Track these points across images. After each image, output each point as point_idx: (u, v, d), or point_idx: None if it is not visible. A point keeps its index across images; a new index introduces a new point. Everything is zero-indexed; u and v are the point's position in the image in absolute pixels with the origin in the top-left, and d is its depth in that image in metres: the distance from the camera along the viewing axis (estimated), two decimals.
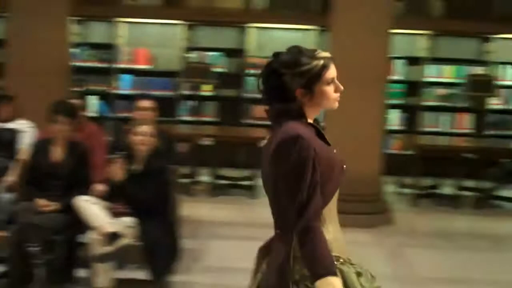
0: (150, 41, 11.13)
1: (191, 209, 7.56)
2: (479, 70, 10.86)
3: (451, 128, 11.01)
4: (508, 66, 11.07)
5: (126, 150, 5.25)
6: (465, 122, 11.03)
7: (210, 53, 11.01)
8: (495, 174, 9.34)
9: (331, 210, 2.66)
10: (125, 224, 5.07)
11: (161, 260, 5.09)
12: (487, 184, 9.29)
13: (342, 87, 2.68)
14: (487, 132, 10.94)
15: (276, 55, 2.68)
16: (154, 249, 5.02)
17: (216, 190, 9.09)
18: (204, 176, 9.30)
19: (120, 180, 5.13)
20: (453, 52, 11.14)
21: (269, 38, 11.04)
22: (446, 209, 8.85)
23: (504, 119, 11.09)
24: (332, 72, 2.67)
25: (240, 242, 6.77)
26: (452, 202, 9.01)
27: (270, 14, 10.84)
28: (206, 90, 10.90)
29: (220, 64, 10.97)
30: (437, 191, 9.52)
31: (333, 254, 2.57)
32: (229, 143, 9.60)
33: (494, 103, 10.96)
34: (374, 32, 7.65)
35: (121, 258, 5.11)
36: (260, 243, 2.83)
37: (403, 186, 9.49)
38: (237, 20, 10.88)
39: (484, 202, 9.12)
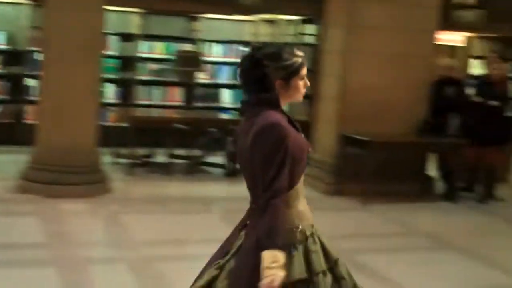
0: None
1: None
2: (187, 46, 11.17)
3: (163, 100, 11.21)
4: (214, 44, 11.53)
5: None
6: (176, 95, 11.31)
7: None
8: (203, 143, 9.72)
9: (301, 186, 2.87)
10: None
11: None
12: (196, 152, 9.63)
13: (309, 83, 2.91)
14: (196, 104, 11.31)
15: (257, 48, 2.86)
16: None
17: None
18: None
19: None
20: (164, 29, 11.33)
21: None
22: (159, 176, 9.03)
23: (211, 92, 11.57)
24: (305, 69, 2.90)
25: None
26: (165, 170, 9.20)
27: None
28: None
29: None
30: (151, 160, 9.67)
31: (309, 222, 2.85)
32: None
33: (202, 77, 11.35)
34: (88, 9, 7.45)
35: None
36: None
37: (119, 156, 9.45)
38: None
39: (194, 169, 9.46)
